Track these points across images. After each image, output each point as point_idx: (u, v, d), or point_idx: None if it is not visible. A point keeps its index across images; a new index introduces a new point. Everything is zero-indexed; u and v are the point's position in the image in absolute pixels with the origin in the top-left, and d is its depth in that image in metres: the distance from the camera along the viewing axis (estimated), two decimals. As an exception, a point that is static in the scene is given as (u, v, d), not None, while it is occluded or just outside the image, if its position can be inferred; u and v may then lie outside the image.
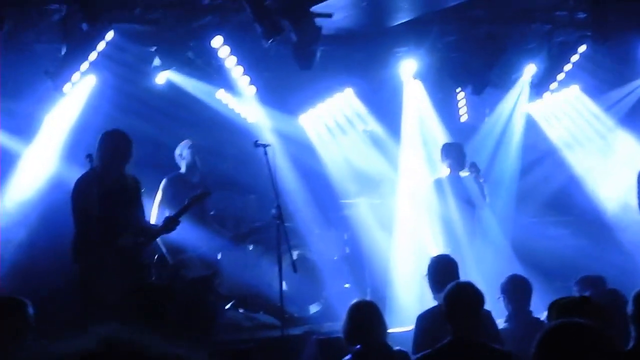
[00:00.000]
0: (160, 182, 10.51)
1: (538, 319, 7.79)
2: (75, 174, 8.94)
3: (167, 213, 9.58)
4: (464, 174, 11.48)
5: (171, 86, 11.58)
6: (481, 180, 11.43)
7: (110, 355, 1.85)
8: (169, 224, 8.87)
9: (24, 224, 10.96)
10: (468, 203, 11.34)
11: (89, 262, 8.39)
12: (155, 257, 9.97)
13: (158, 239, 9.51)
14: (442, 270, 7.93)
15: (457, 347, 5.85)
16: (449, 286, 6.31)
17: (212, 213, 10.98)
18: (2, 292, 9.32)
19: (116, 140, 8.69)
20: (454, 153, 11.52)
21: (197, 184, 10.36)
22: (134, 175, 8.94)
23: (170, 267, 9.89)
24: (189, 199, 9.09)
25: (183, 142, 10.70)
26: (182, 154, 10.53)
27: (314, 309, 11.75)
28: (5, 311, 5.44)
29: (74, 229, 8.59)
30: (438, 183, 11.44)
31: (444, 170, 11.55)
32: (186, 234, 9.75)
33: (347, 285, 11.97)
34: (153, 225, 9.12)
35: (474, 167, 11.41)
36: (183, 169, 10.54)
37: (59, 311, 8.91)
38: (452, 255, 8.89)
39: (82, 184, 8.57)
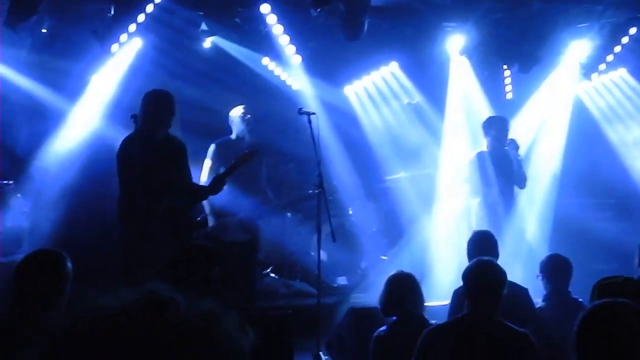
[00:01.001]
0: (203, 146, 10.36)
1: (576, 299, 7.59)
2: (117, 133, 8.87)
3: None
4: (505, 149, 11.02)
5: (217, 51, 11.52)
6: (520, 158, 10.97)
7: (147, 310, 1.86)
8: (216, 184, 8.60)
9: (64, 179, 10.99)
10: (508, 179, 10.94)
11: (132, 225, 8.19)
12: (199, 218, 9.73)
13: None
14: (480, 246, 7.78)
15: (470, 321, 5.70)
16: (470, 262, 6.20)
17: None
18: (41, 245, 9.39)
19: (159, 100, 8.41)
20: (497, 127, 11.01)
21: (242, 147, 10.00)
22: (179, 137, 8.74)
23: (210, 229, 9.75)
24: (236, 158, 8.82)
25: (236, 107, 10.39)
26: (233, 120, 10.29)
27: (350, 279, 11.68)
28: (45, 264, 5.36)
29: (119, 191, 8.41)
30: (480, 157, 11.02)
31: (486, 145, 11.12)
32: (230, 197, 9.68)
33: (384, 257, 11.88)
34: (200, 186, 8.86)
35: (513, 144, 10.91)
36: (233, 135, 10.29)
37: (97, 267, 8.97)
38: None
39: (127, 145, 8.33)
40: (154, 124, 8.31)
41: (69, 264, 5.43)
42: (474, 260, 6.16)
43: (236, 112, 10.32)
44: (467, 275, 5.90)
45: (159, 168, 8.20)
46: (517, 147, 10.94)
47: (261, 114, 11.00)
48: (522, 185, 11.03)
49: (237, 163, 8.79)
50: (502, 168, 10.89)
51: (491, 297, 5.74)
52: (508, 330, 5.65)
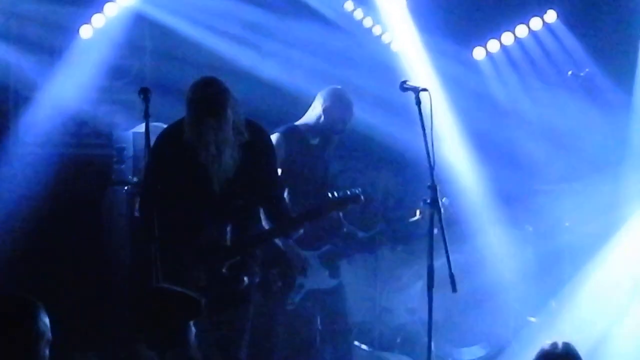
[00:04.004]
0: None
1: None
2: (112, 114, 9.00)
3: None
4: None
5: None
6: None
7: None
8: (287, 226, 9.07)
9: (34, 174, 11.53)
10: None
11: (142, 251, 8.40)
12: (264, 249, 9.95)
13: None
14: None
15: None
16: None
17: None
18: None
19: (201, 92, 8.67)
20: None
21: (318, 146, 10.42)
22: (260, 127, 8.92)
23: (289, 270, 9.94)
24: (324, 203, 9.32)
25: (328, 88, 10.50)
26: (325, 107, 10.37)
27: (478, 352, 11.76)
28: (10, 319, 5.32)
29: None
30: None
31: None
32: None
33: (532, 319, 11.77)
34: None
35: None
36: (307, 121, 10.43)
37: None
38: None
39: (159, 142, 8.75)
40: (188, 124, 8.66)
41: (45, 317, 5.37)
42: None
43: (330, 98, 10.38)
44: None
45: (200, 186, 8.59)
46: None
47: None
48: None
49: (323, 209, 9.30)
50: None
51: None
52: None
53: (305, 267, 9.89)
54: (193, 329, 6.58)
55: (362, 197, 9.44)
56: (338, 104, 10.32)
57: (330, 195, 9.27)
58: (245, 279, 8.70)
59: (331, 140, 10.48)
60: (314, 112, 10.41)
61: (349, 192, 9.34)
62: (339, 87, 10.49)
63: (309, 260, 10.05)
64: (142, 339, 6.09)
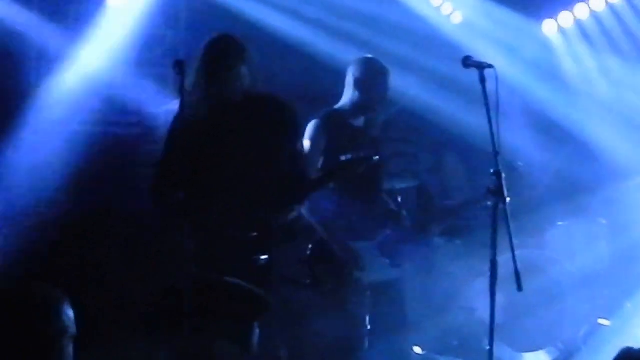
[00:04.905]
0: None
1: None
2: (143, 88, 8.95)
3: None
4: None
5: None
6: None
7: None
8: (297, 196, 9.02)
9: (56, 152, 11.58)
10: None
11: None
12: (310, 245, 10.01)
13: (309, 218, 9.84)
14: None
15: None
16: None
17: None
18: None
19: (212, 47, 8.68)
20: None
21: (362, 128, 10.42)
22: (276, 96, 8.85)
23: (341, 265, 10.02)
24: (335, 166, 9.37)
25: (356, 58, 10.54)
26: (355, 81, 10.37)
27: (544, 358, 11.67)
28: (30, 312, 5.36)
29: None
30: None
31: None
32: (354, 212, 10.07)
33: (604, 322, 11.74)
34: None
35: None
36: (344, 102, 10.44)
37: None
38: None
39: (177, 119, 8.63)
40: (206, 89, 8.64)
41: (68, 311, 5.39)
42: None
43: (359, 68, 10.39)
44: None
45: (215, 158, 8.63)
46: None
47: (394, 65, 10.86)
48: None
49: (336, 169, 9.34)
50: None
51: None
52: None
53: (359, 261, 9.96)
54: (257, 331, 6.51)
55: (374, 158, 9.42)
56: (369, 73, 10.34)
57: (342, 157, 9.21)
58: (262, 257, 8.64)
59: (374, 118, 10.48)
60: (348, 90, 10.41)
61: (362, 153, 9.34)
62: (370, 55, 10.55)
63: (366, 251, 10.11)
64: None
